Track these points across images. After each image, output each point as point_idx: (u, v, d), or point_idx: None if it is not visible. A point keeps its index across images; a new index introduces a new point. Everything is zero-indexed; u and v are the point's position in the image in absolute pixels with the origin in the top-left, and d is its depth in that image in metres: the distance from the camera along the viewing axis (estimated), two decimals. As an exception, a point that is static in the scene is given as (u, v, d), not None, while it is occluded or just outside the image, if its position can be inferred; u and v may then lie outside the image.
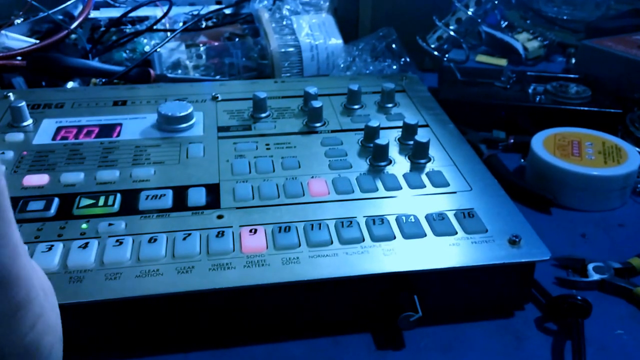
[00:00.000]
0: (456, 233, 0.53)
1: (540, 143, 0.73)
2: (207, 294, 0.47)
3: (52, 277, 0.45)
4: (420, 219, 0.55)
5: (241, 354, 0.50)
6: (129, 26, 1.11)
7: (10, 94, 0.77)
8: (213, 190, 0.59)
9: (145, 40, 1.05)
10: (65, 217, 0.55)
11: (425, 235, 0.53)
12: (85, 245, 0.50)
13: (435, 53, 0.94)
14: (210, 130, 0.70)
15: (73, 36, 1.01)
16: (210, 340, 0.51)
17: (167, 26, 1.10)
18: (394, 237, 0.52)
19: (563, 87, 0.87)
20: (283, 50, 0.98)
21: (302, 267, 0.49)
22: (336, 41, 1.01)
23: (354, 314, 0.52)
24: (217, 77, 1.00)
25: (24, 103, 0.71)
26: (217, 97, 0.78)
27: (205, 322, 0.50)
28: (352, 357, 0.50)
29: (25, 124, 0.71)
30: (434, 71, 1.03)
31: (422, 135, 0.64)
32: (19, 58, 0.92)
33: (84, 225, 0.54)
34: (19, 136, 0.68)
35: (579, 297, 0.53)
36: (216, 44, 1.06)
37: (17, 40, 0.96)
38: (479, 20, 0.92)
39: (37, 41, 0.95)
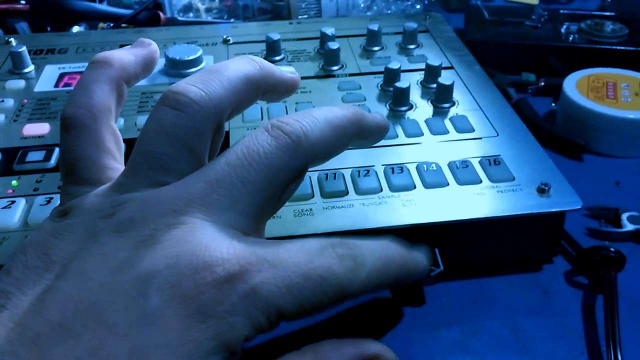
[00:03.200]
0: (481, 182, 0.51)
1: (573, 85, 0.71)
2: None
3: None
4: (443, 167, 0.53)
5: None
6: (138, -34, 1.09)
7: (12, 40, 0.76)
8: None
9: (155, -18, 1.03)
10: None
11: (448, 184, 0.51)
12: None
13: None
14: (221, 75, 0.69)
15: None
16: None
17: (178, -34, 1.08)
18: (414, 187, 0.51)
19: (598, 25, 0.84)
20: (299, -10, 0.96)
21: (315, 219, 0.48)
22: (356, -21, 0.98)
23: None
24: (231, 20, 0.98)
25: (24, 48, 0.69)
26: (229, 40, 0.77)
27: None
28: (369, 313, 0.50)
29: (26, 70, 0.70)
30: (461, 11, 1.00)
31: (445, 78, 0.62)
32: (23, 2, 0.91)
33: None
34: (19, 83, 0.67)
35: (612, 249, 0.51)
36: (229, -16, 1.04)
37: (20, -18, 0.94)
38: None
39: (41, -17, 0.93)
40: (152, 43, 0.43)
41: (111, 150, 0.38)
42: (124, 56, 0.41)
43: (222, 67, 0.37)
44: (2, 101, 0.63)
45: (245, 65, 0.38)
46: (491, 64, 0.78)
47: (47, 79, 0.68)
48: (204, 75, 0.36)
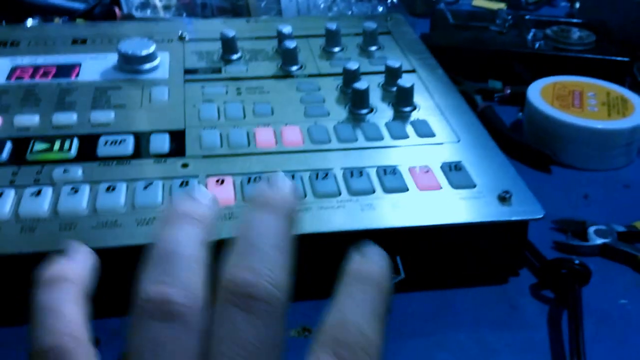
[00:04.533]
0: (442, 188, 0.51)
1: (538, 93, 0.71)
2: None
3: (2, 226, 0.46)
4: (403, 172, 0.53)
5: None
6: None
7: (-37, 33, 0.75)
8: (178, 137, 0.57)
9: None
10: (18, 163, 0.53)
11: (408, 189, 0.51)
12: (39, 193, 0.49)
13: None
14: (176, 72, 0.68)
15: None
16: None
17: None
18: (374, 191, 0.51)
19: (565, 32, 0.85)
20: (259, -12, 0.95)
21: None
22: (317, -22, 0.98)
23: (330, 276, 0.51)
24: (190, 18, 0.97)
25: (-27, 40, 0.68)
26: (184, 37, 0.76)
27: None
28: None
29: (-24, 62, 0.68)
30: (427, 16, 1.00)
31: (405, 80, 0.62)
32: (-24, -6, 0.90)
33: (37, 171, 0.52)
34: (-31, 77, 0.66)
35: (576, 262, 0.51)
36: (188, -19, 1.03)
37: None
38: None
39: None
40: (85, 247, 0.40)
41: None
42: (77, 268, 0.38)
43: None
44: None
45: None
46: (456, 70, 0.78)
47: (-2, 72, 0.67)
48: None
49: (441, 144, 0.57)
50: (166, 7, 1.00)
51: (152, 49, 0.68)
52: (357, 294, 0.36)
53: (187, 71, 0.69)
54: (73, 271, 0.38)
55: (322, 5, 0.95)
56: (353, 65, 0.64)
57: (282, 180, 0.38)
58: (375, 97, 0.64)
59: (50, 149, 0.55)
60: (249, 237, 0.35)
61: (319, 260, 0.49)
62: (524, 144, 0.70)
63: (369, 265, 0.38)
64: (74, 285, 0.38)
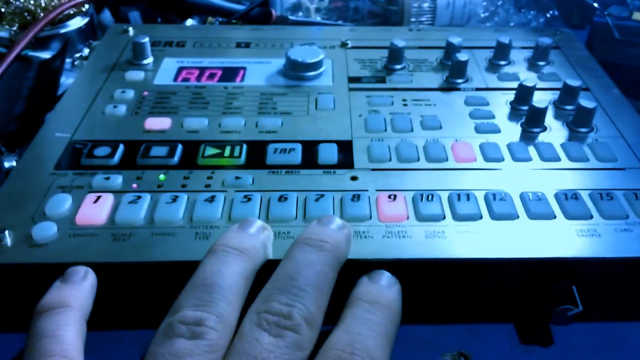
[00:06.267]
0: (627, 217, 0.48)
1: None
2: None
3: (176, 231, 0.45)
4: (584, 198, 0.50)
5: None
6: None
7: (130, 29, 0.76)
8: (345, 148, 0.56)
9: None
10: (189, 166, 0.53)
11: (591, 217, 0.48)
12: (212, 199, 0.48)
13: (595, 5, 0.88)
14: (340, 80, 0.67)
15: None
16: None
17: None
18: (554, 217, 0.48)
19: None
20: (416, -6, 0.93)
21: (448, 243, 0.45)
22: (477, -13, 0.95)
23: (499, 302, 0.49)
24: (339, 22, 0.96)
25: (147, 39, 0.69)
26: (347, 44, 0.75)
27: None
28: (492, 348, 0.47)
29: (145, 61, 0.69)
30: (582, 28, 0.97)
31: (586, 100, 0.59)
32: (138, -10, 0.91)
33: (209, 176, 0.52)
34: (139, 75, 0.67)
35: None
36: (342, -15, 1.02)
37: (136, -29, 0.94)
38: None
39: (157, -27, 0.93)
40: (89, 271, 0.42)
41: None
42: (79, 294, 0.40)
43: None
44: (123, 92, 0.63)
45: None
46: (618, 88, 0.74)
47: (166, 72, 0.68)
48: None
49: (623, 169, 0.54)
50: (317, 10, 0.99)
51: (320, 57, 0.67)
52: (365, 315, 0.39)
53: (351, 79, 0.67)
54: (74, 297, 0.40)
55: (481, 15, 0.93)
56: (529, 83, 0.61)
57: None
58: (547, 116, 0.60)
59: (221, 155, 0.54)
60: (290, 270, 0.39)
61: (490, 286, 0.48)
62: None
63: (378, 288, 0.41)
64: (74, 310, 0.39)
